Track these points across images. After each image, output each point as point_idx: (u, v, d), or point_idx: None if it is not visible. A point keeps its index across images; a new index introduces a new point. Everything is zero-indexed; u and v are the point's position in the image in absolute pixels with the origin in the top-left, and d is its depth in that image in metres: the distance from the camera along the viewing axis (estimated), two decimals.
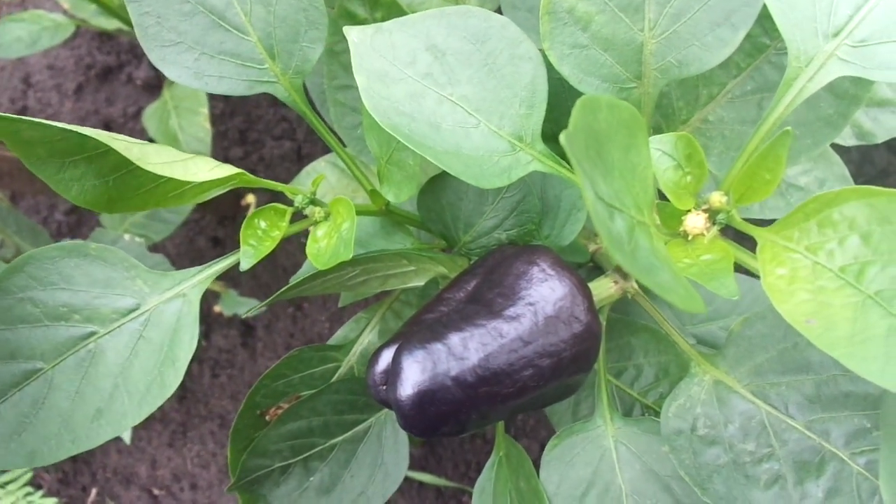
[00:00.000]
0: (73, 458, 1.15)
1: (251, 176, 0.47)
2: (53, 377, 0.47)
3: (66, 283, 0.47)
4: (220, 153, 1.26)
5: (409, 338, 0.44)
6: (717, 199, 0.38)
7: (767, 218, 0.59)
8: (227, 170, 0.44)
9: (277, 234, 0.48)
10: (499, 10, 0.62)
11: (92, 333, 0.47)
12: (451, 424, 0.44)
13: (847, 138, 0.60)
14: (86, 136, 0.39)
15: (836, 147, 0.62)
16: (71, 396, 0.46)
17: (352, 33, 0.43)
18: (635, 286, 0.51)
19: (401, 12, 0.57)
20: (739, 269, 0.47)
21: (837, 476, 0.40)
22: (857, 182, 1.05)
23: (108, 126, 1.29)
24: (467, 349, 0.43)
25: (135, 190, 0.44)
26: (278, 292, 0.50)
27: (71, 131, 0.38)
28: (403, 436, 0.62)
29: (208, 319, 1.19)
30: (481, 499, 0.58)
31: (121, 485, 1.13)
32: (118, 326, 0.48)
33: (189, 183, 0.45)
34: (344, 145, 0.67)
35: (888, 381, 0.28)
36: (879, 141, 0.59)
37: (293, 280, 0.52)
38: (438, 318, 0.46)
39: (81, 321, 0.47)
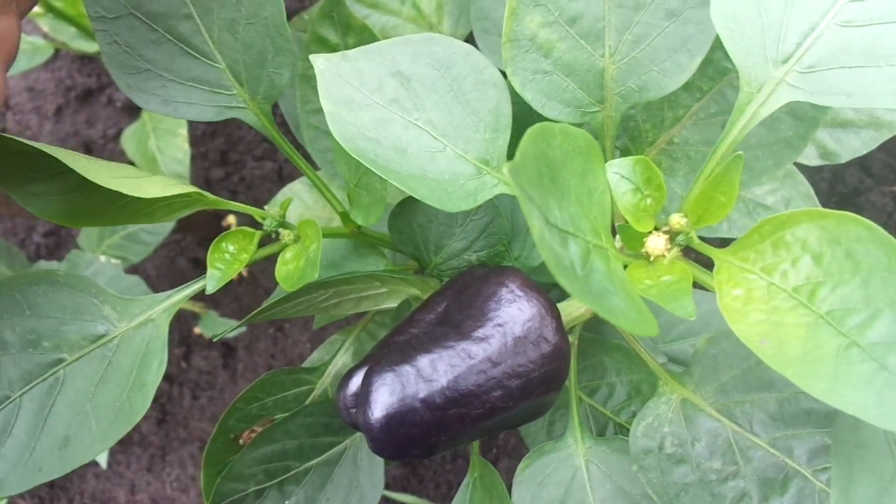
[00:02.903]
0: (50, 484, 1.13)
1: (212, 196, 0.47)
2: (21, 405, 0.46)
3: (34, 311, 0.46)
4: (201, 174, 1.26)
5: (378, 360, 0.45)
6: (676, 220, 0.38)
7: (735, 237, 0.60)
8: (182, 188, 0.44)
9: (245, 258, 0.48)
10: (471, 34, 0.63)
11: (60, 360, 0.47)
12: (421, 447, 0.44)
13: (812, 158, 0.61)
14: (46, 154, 0.39)
15: (806, 167, 0.64)
16: (39, 424, 0.46)
17: (318, 61, 0.43)
18: None
19: (372, 38, 0.57)
20: (705, 289, 0.48)
21: (801, 493, 0.40)
22: (830, 201, 1.07)
23: (87, 148, 1.29)
24: (436, 371, 0.43)
25: (102, 207, 0.44)
26: (249, 315, 0.50)
27: (32, 149, 0.38)
28: (379, 458, 0.62)
29: (188, 341, 1.18)
30: None
31: None
32: (87, 353, 0.48)
33: (154, 201, 0.45)
34: (317, 168, 0.68)
35: (837, 400, 0.28)
36: (843, 161, 0.60)
37: (267, 303, 0.52)
38: (408, 340, 0.47)
39: (50, 348, 0.47)
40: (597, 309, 0.27)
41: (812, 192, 0.61)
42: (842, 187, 1.07)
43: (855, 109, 0.58)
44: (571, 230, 0.31)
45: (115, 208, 0.46)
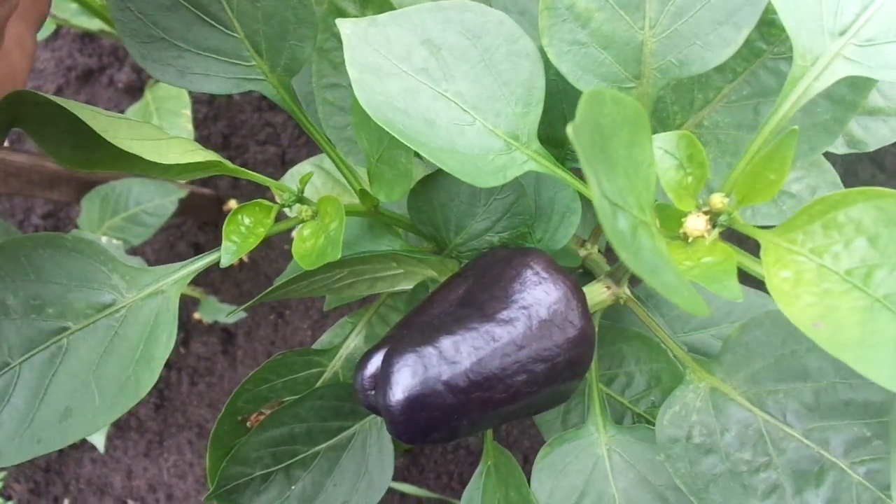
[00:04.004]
0: (46, 468, 1.11)
1: (232, 165, 0.45)
2: (21, 373, 0.44)
3: (39, 275, 0.44)
4: None
5: (399, 341, 0.43)
6: (718, 200, 0.37)
7: (760, 224, 0.59)
8: (204, 155, 0.42)
9: (262, 232, 0.47)
10: None
11: (64, 328, 0.45)
12: (442, 431, 0.42)
13: (839, 146, 0.60)
14: (59, 106, 0.37)
15: (824, 156, 0.62)
16: (39, 394, 0.44)
17: (345, 26, 0.42)
18: (627, 292, 0.50)
19: (391, 9, 0.55)
20: (738, 274, 0.46)
21: (837, 486, 0.39)
22: None
23: None
24: (459, 353, 0.42)
25: (118, 156, 0.42)
26: (263, 293, 0.48)
27: (45, 101, 0.36)
28: (389, 444, 0.60)
29: (187, 326, 1.16)
30: None
31: (94, 495, 1.10)
32: (92, 322, 0.46)
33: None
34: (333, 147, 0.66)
35: None
36: (871, 149, 0.58)
37: (278, 281, 0.51)
38: (429, 320, 0.45)
39: (54, 315, 0.45)
40: (650, 280, 0.26)
41: (839, 180, 0.60)
42: (854, 181, 1.06)
43: (885, 96, 0.57)
44: (620, 203, 0.29)
45: (131, 157, 0.44)
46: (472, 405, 0.42)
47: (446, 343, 0.42)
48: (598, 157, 0.28)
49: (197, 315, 1.16)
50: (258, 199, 0.48)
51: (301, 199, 0.50)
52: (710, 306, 0.60)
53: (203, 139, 1.24)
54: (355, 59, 0.41)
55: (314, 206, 0.50)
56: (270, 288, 0.48)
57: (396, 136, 0.39)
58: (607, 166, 0.29)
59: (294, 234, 0.51)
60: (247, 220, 0.47)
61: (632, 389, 0.58)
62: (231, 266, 1.20)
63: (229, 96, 1.26)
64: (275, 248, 1.19)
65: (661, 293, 0.26)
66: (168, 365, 1.14)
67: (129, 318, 0.46)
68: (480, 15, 0.41)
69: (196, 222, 1.22)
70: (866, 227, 0.31)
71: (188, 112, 1.06)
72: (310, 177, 0.49)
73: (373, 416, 0.60)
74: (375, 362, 0.44)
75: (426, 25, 0.42)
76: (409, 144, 0.39)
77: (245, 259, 1.20)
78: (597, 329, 0.56)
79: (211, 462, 0.57)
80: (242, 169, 0.46)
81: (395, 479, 1.07)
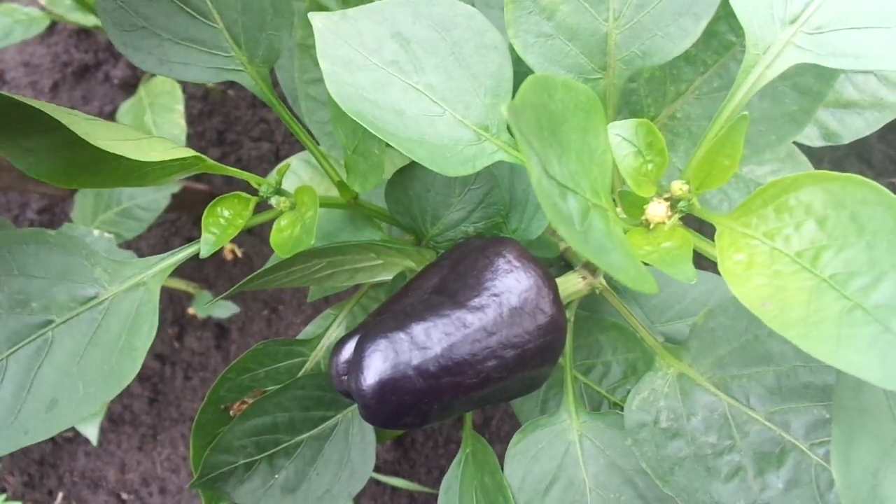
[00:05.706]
0: (40, 461, 1.12)
1: (211, 161, 0.46)
2: (8, 366, 0.45)
3: (22, 270, 0.46)
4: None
5: (372, 327, 0.44)
6: (678, 187, 0.38)
7: None
8: (184, 152, 0.43)
9: (240, 223, 0.48)
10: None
11: (49, 322, 0.46)
12: (413, 415, 0.43)
13: (814, 139, 0.61)
14: (37, 109, 0.38)
15: (807, 154, 0.63)
16: (26, 386, 0.45)
17: (317, 20, 0.43)
18: (603, 282, 0.51)
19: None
20: (707, 266, 0.47)
21: (797, 467, 0.40)
22: None
23: None
24: (430, 339, 0.43)
25: (94, 165, 0.43)
26: (241, 282, 0.49)
27: (24, 103, 0.37)
28: (371, 434, 0.61)
29: (182, 321, 1.17)
30: (447, 496, 0.57)
31: (88, 488, 1.11)
32: (76, 315, 0.47)
33: (148, 163, 0.44)
34: (317, 142, 0.67)
35: (840, 362, 0.28)
36: (845, 141, 0.59)
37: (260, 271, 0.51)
38: (402, 308, 0.46)
39: (38, 309, 0.46)
40: (595, 260, 0.27)
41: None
42: None
43: (858, 89, 0.58)
44: (571, 186, 0.30)
45: (108, 168, 0.45)
46: (442, 390, 0.43)
47: (418, 329, 0.43)
48: (547, 141, 0.29)
49: (191, 310, 1.17)
50: (237, 192, 0.49)
51: (279, 191, 0.51)
52: (685, 297, 0.61)
53: (197, 135, 1.25)
54: (327, 52, 0.42)
55: (292, 197, 0.51)
56: (249, 277, 0.49)
57: (367, 126, 0.40)
58: (559, 150, 0.30)
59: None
60: (226, 212, 0.48)
61: (608, 379, 0.59)
62: (224, 261, 1.21)
63: (223, 91, 1.27)
64: (268, 242, 1.20)
65: (608, 272, 0.27)
66: (162, 359, 1.15)
67: (112, 310, 0.47)
68: (449, 8, 0.42)
69: (191, 218, 1.23)
70: (815, 210, 0.32)
71: (181, 107, 1.07)
72: (287, 168, 0.50)
73: (355, 405, 0.61)
74: (350, 348, 0.45)
75: (396, 19, 0.42)
76: (378, 135, 0.40)
77: (238, 254, 1.21)
78: (574, 319, 0.57)
79: (194, 451, 0.58)
80: (222, 165, 0.47)
81: (385, 473, 1.08)
